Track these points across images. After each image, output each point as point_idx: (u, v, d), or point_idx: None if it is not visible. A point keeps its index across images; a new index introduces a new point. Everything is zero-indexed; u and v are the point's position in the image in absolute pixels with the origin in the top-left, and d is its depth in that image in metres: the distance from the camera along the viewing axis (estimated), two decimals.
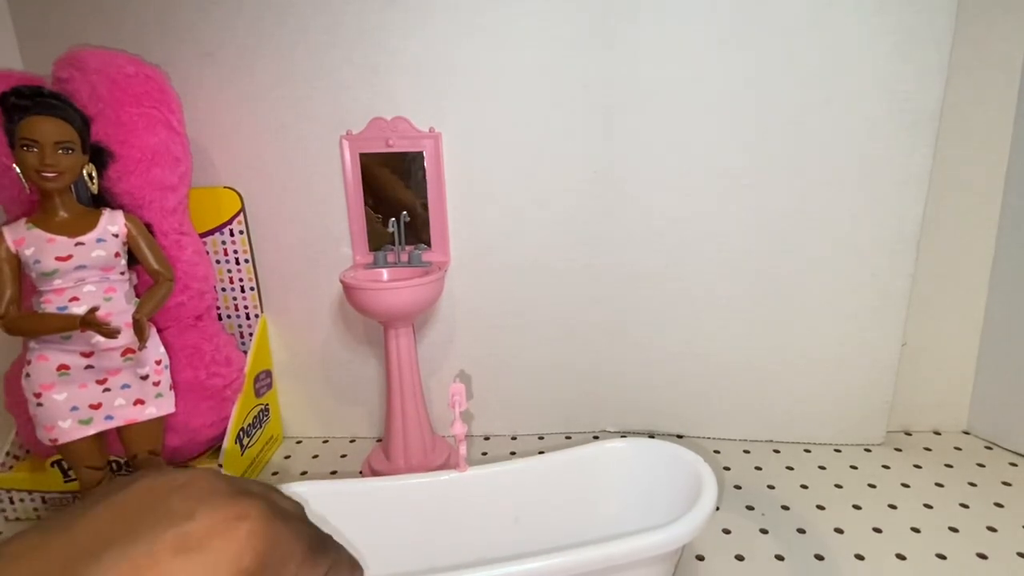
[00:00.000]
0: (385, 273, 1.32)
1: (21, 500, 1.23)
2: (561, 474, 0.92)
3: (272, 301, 1.44)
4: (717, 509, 1.10)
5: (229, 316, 1.44)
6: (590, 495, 0.92)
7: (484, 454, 1.40)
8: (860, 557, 0.97)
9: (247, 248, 1.39)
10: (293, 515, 0.20)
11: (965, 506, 1.09)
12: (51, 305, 0.96)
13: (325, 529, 0.22)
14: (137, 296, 1.09)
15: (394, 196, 1.33)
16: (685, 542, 0.71)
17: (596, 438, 1.44)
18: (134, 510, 0.17)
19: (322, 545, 0.21)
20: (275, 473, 1.39)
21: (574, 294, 1.36)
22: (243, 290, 1.42)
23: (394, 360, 1.26)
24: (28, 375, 0.98)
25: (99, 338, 0.97)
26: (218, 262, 1.39)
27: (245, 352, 1.40)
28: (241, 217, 1.36)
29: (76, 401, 0.99)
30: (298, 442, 1.52)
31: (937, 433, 1.39)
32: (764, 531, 1.04)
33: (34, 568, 0.16)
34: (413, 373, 1.28)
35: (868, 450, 1.32)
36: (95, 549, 0.16)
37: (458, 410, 0.91)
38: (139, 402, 1.05)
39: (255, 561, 0.18)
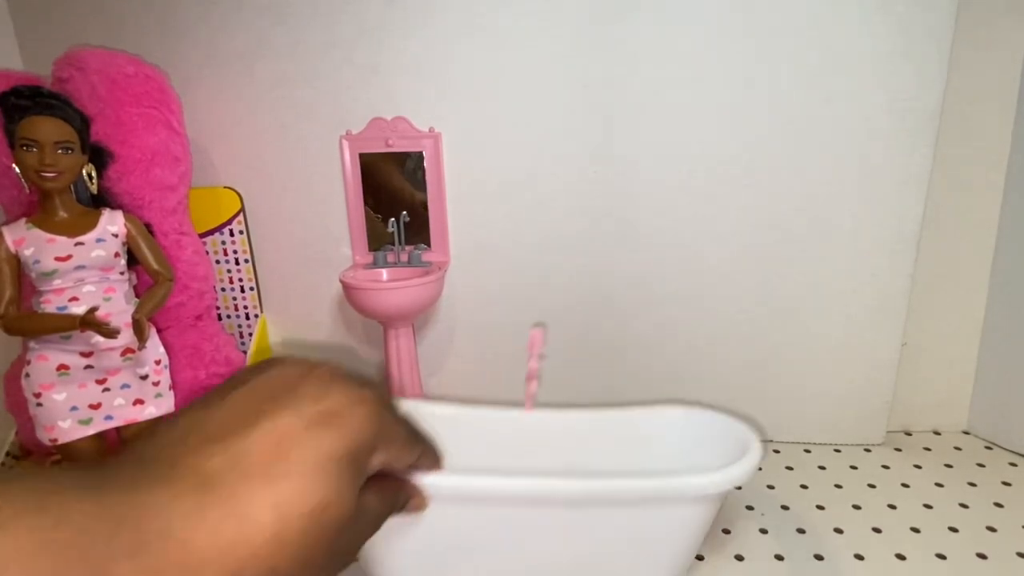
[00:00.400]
0: (385, 273, 1.32)
1: None
2: (616, 428, 0.96)
3: (272, 301, 1.44)
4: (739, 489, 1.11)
5: (229, 316, 1.44)
6: (640, 454, 0.95)
7: None
8: (860, 557, 0.97)
9: (247, 248, 1.39)
10: (396, 407, 0.25)
11: (965, 506, 1.09)
12: (51, 305, 0.96)
13: None
14: (137, 296, 1.08)
15: (394, 196, 1.33)
16: (720, 490, 0.74)
17: None
18: (275, 390, 0.22)
19: (417, 435, 0.26)
20: None
21: (574, 294, 1.36)
22: (243, 290, 1.42)
23: (394, 360, 1.26)
24: (28, 375, 0.98)
25: (99, 338, 0.97)
26: (218, 262, 1.39)
27: (245, 352, 1.40)
28: (241, 217, 1.36)
29: (76, 401, 0.99)
30: None
31: (937, 433, 1.39)
32: (764, 531, 1.04)
33: (204, 433, 0.20)
34: (413, 373, 1.28)
35: (868, 450, 1.32)
36: (249, 421, 0.21)
37: (536, 351, 0.95)
38: (139, 402, 1.05)
39: (368, 439, 0.22)
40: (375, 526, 0.24)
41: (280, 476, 0.20)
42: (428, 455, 0.27)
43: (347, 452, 0.21)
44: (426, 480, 0.29)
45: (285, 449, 0.20)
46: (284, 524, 0.19)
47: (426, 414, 0.94)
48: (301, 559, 0.20)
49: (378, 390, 0.24)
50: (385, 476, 0.25)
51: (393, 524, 0.27)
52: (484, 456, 0.88)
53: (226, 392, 0.22)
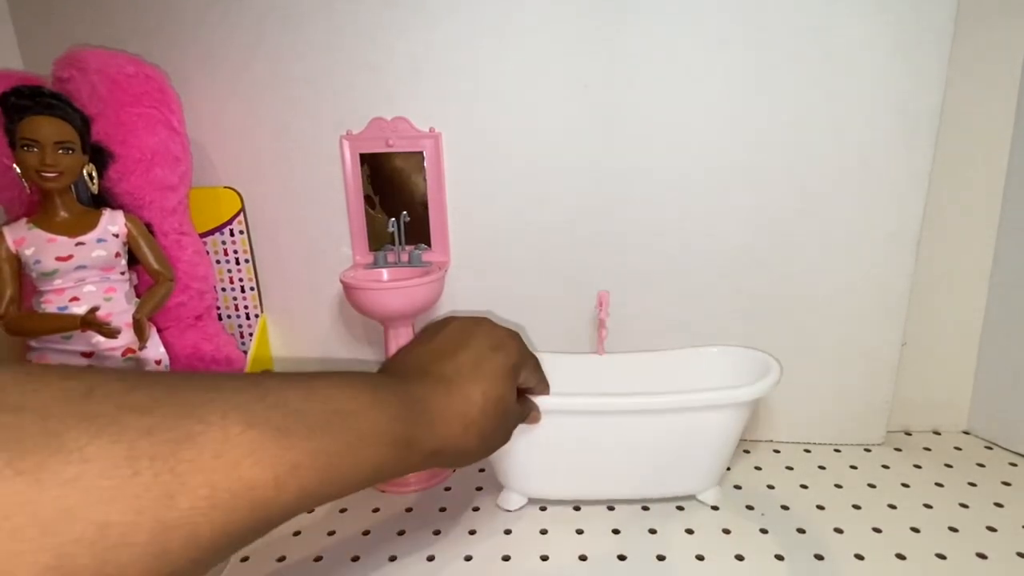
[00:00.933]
0: (385, 273, 1.32)
1: None
2: (670, 363, 1.30)
3: (272, 301, 1.44)
4: (736, 486, 1.11)
5: (229, 316, 1.44)
6: (688, 380, 1.25)
7: None
8: (860, 557, 0.97)
9: (247, 248, 1.39)
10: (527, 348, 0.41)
11: (965, 506, 1.09)
12: (51, 305, 0.97)
13: None
14: (137, 296, 1.09)
15: (394, 196, 1.33)
16: (750, 399, 1.01)
17: None
18: (460, 334, 0.36)
19: (540, 364, 0.43)
20: None
21: (574, 294, 1.36)
22: (243, 290, 1.42)
23: None
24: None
25: (99, 338, 0.97)
26: (218, 262, 1.39)
27: (245, 352, 1.40)
28: (241, 217, 1.36)
29: None
30: None
31: (937, 433, 1.39)
32: (764, 531, 1.04)
33: (432, 356, 0.34)
34: None
35: (868, 450, 1.33)
36: (452, 349, 0.35)
37: (605, 306, 1.27)
38: None
39: (520, 360, 0.37)
40: (516, 424, 0.39)
41: (482, 377, 0.34)
42: (542, 383, 0.45)
43: (512, 366, 0.37)
44: (542, 400, 0.47)
45: (482, 362, 0.35)
46: (487, 403, 0.33)
47: None
48: (492, 426, 0.34)
49: (517, 333, 0.40)
50: (519, 394, 0.39)
51: (517, 430, 0.40)
52: (575, 386, 1.23)
53: (432, 335, 0.37)
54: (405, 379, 0.32)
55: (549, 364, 1.31)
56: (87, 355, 0.99)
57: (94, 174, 1.02)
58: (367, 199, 1.34)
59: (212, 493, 0.20)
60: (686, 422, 1.06)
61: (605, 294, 1.29)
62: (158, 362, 1.07)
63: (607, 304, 1.29)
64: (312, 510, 1.19)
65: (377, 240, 1.36)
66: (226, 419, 0.22)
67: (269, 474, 0.22)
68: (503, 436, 0.37)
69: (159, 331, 1.15)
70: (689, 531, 1.05)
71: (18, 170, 0.94)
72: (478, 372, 0.34)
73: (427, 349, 0.36)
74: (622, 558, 0.99)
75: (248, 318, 1.44)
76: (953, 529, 1.03)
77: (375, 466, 0.27)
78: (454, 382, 0.33)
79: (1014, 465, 1.24)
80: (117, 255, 1.02)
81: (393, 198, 1.33)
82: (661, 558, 0.99)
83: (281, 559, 1.03)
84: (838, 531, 1.04)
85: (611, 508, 1.13)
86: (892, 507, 1.10)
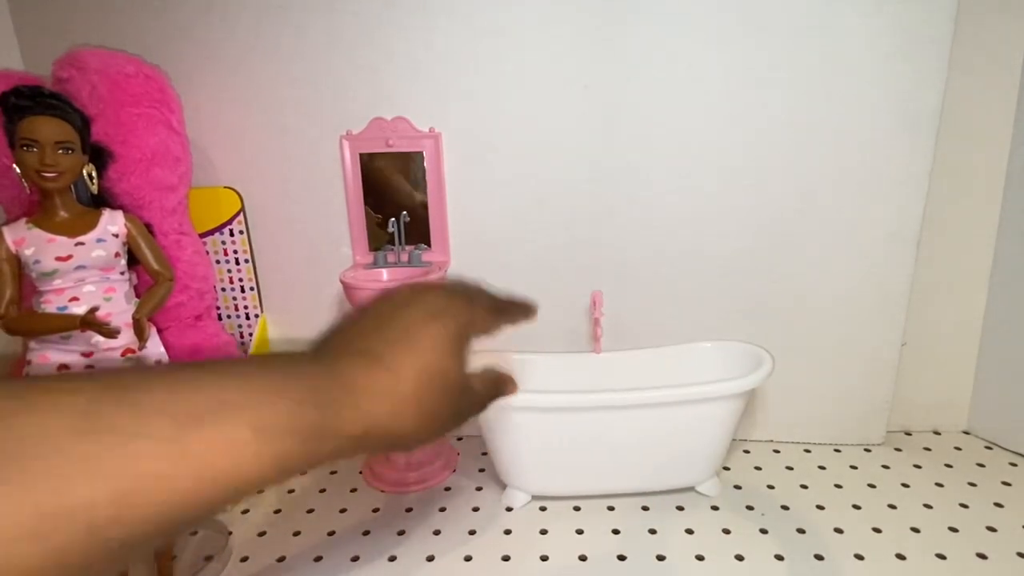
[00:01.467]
0: (385, 273, 1.32)
1: None
2: (666, 359, 1.32)
3: (272, 301, 1.44)
4: (736, 486, 1.11)
5: (229, 316, 1.44)
6: (685, 375, 1.29)
7: (484, 453, 1.40)
8: (860, 557, 0.97)
9: (247, 248, 1.39)
10: (481, 296, 0.35)
11: (965, 506, 1.09)
12: (51, 305, 0.96)
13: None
14: (137, 296, 1.09)
15: (394, 196, 1.33)
16: (744, 390, 1.07)
17: None
18: (397, 304, 0.32)
19: (500, 305, 0.36)
20: None
21: (574, 295, 1.36)
22: (243, 290, 1.42)
23: None
24: (28, 375, 0.98)
25: (99, 338, 0.97)
26: (218, 262, 1.39)
27: (245, 352, 1.40)
28: (241, 217, 1.36)
29: None
30: None
31: (937, 433, 1.39)
32: (764, 531, 1.04)
33: (365, 329, 0.31)
34: None
35: (868, 450, 1.32)
36: (383, 322, 0.31)
37: (599, 306, 1.29)
38: None
39: (463, 323, 0.32)
40: (482, 405, 0.34)
41: (416, 350, 0.30)
42: (516, 312, 0.37)
43: (455, 336, 0.31)
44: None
45: (416, 333, 0.31)
46: (420, 379, 0.29)
47: (529, 362, 1.33)
48: (434, 406, 0.30)
49: (465, 290, 0.34)
50: (490, 370, 0.36)
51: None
52: (574, 385, 1.25)
53: (371, 307, 0.33)
54: (323, 359, 0.29)
55: (546, 364, 1.35)
56: (87, 355, 0.99)
57: (94, 174, 1.02)
58: (367, 199, 1.34)
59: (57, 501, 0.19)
60: (682, 415, 1.08)
61: (599, 293, 1.31)
62: (158, 362, 1.07)
63: (601, 303, 1.31)
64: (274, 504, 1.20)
65: (377, 240, 1.36)
66: (58, 417, 0.20)
67: (104, 490, 0.20)
68: (455, 415, 0.32)
69: (159, 331, 1.15)
70: (689, 531, 1.06)
71: (18, 170, 0.94)
72: (410, 345, 0.30)
73: (357, 323, 0.32)
74: (622, 558, 0.99)
75: (248, 318, 1.44)
76: (953, 529, 1.04)
77: (275, 460, 0.24)
78: (381, 357, 0.30)
79: (1014, 465, 1.24)
80: (117, 255, 1.02)
81: (393, 198, 1.33)
82: (661, 558, 0.99)
83: (281, 559, 1.03)
84: (838, 531, 1.04)
85: (611, 508, 1.13)
86: (892, 507, 1.11)
